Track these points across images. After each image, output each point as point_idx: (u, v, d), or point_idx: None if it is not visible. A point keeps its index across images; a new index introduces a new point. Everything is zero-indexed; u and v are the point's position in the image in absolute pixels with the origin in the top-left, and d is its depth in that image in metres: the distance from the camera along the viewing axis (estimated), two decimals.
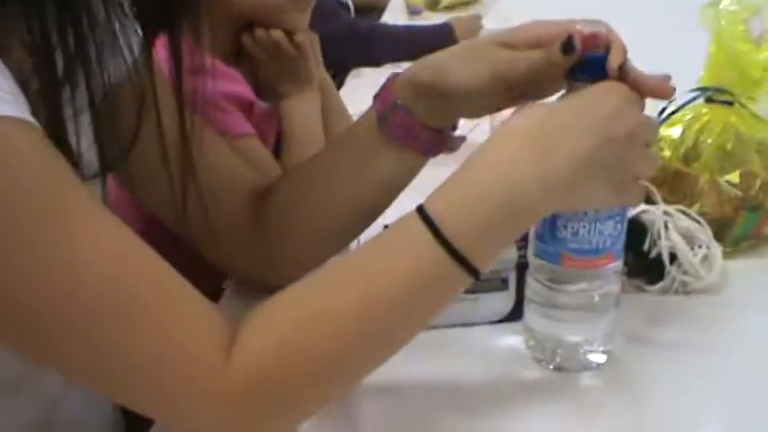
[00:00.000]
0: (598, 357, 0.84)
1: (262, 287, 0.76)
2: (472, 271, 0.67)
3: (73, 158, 0.67)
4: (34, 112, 0.61)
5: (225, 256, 0.95)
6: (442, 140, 0.85)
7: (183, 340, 0.64)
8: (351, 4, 3.44)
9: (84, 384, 0.69)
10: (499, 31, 0.81)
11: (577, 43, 0.74)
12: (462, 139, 0.87)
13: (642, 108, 0.73)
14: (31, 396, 0.80)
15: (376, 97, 0.85)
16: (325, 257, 0.88)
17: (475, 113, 0.85)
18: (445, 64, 0.81)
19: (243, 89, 1.25)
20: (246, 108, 1.24)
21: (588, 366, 0.83)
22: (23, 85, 0.62)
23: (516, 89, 0.79)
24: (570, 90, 0.76)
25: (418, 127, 0.83)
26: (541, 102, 0.79)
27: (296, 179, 0.95)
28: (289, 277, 0.69)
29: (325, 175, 0.91)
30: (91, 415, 0.91)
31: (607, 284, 0.81)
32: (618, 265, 0.81)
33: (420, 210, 0.67)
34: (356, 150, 0.87)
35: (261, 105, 1.28)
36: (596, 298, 0.81)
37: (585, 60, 0.75)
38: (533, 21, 0.80)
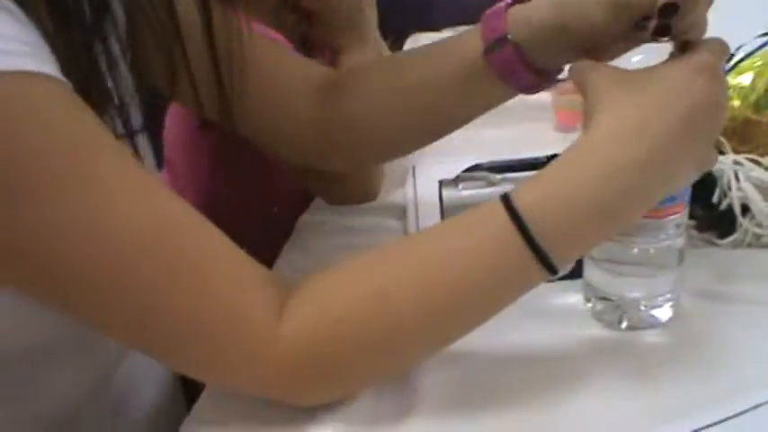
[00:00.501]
0: (663, 314, 0.79)
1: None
2: (551, 269, 0.64)
3: (119, 110, 0.67)
4: (67, 67, 0.60)
5: (289, 145, 0.97)
6: (543, 81, 0.82)
7: (233, 301, 0.62)
8: None
9: (131, 346, 0.68)
10: None
11: None
12: (560, 72, 0.84)
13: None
14: (89, 356, 0.80)
15: (485, 21, 0.82)
16: (386, 155, 0.97)
17: (596, 54, 0.78)
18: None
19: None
20: None
21: (653, 324, 0.79)
22: (54, 39, 0.61)
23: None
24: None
25: (524, 66, 0.80)
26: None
27: (379, 71, 0.95)
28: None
29: (410, 75, 0.90)
30: (148, 373, 0.91)
31: (670, 237, 0.76)
32: (682, 216, 0.76)
33: (506, 200, 0.64)
34: (450, 65, 0.86)
35: None
36: (659, 251, 0.76)
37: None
38: None
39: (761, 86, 1.00)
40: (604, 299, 0.80)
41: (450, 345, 0.68)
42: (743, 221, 0.88)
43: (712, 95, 0.67)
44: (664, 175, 0.66)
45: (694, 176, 0.71)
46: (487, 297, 0.66)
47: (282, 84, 0.94)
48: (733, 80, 1.03)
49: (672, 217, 0.75)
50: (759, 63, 1.03)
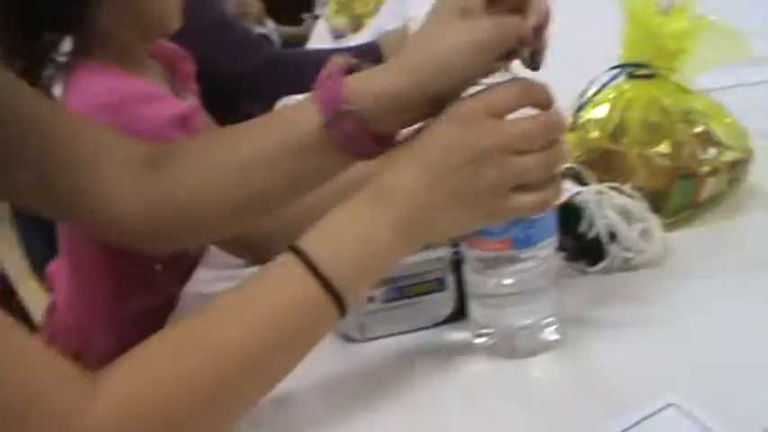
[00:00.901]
0: (549, 337, 0.83)
1: None
2: (345, 310, 0.71)
3: None
4: None
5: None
6: (388, 145, 0.81)
7: (44, 387, 0.63)
8: (275, 37, 3.46)
9: None
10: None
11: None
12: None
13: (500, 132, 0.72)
14: None
15: (320, 92, 0.80)
16: (218, 233, 0.97)
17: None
18: (422, 45, 0.77)
19: (173, 105, 1.25)
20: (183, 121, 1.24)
21: (541, 349, 0.83)
22: None
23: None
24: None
25: (367, 136, 0.78)
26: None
27: (207, 146, 0.94)
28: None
29: (243, 148, 0.87)
30: None
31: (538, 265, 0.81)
32: (506, 250, 0.80)
33: (293, 247, 0.71)
34: (284, 137, 0.83)
35: (185, 105, 1.28)
36: (531, 279, 0.81)
37: None
38: None
39: (616, 117, 1.06)
40: (491, 332, 0.83)
41: (261, 397, 0.72)
42: (611, 248, 0.93)
43: (467, 146, 0.70)
44: (425, 231, 0.73)
45: (485, 222, 0.76)
46: (288, 357, 0.72)
47: (101, 163, 0.91)
48: (589, 113, 1.09)
49: (498, 252, 0.80)
50: (613, 95, 1.09)
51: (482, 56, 0.74)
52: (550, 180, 0.74)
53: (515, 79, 0.75)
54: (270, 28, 3.54)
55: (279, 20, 3.62)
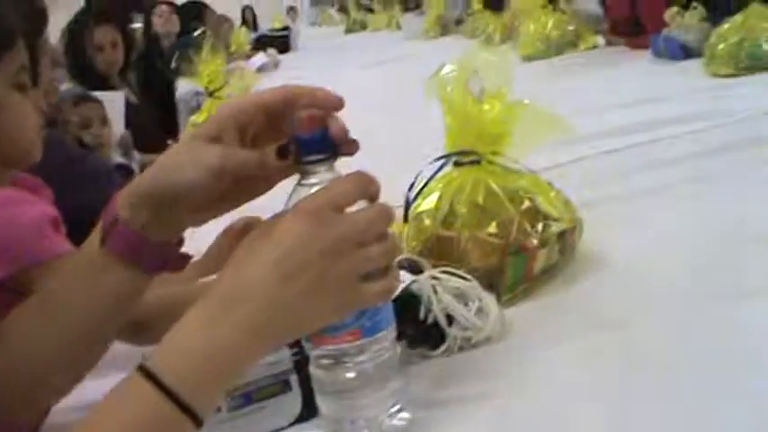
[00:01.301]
0: (398, 426, 0.84)
1: None
2: (194, 418, 0.70)
3: None
4: None
5: None
6: (165, 256, 0.85)
7: None
8: (136, 166, 3.46)
9: None
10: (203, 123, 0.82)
11: (292, 146, 0.77)
12: (188, 258, 0.88)
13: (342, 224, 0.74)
14: None
15: (105, 211, 0.84)
16: (68, 382, 0.92)
17: (200, 219, 0.85)
18: (165, 162, 0.81)
19: (43, 206, 1.23)
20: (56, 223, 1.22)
21: None
22: None
23: (246, 183, 0.81)
24: (302, 175, 0.79)
25: (139, 241, 0.82)
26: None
27: (29, 310, 0.93)
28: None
29: (56, 300, 0.90)
30: None
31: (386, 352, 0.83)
32: (357, 340, 0.81)
33: (140, 366, 0.70)
34: (83, 269, 0.87)
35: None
36: (380, 367, 0.82)
37: (305, 142, 0.77)
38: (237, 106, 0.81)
39: (445, 204, 1.11)
40: (343, 425, 0.84)
41: None
42: (450, 330, 0.96)
43: (316, 240, 0.72)
44: (280, 329, 0.74)
45: (338, 314, 0.77)
46: None
47: None
48: (421, 204, 1.14)
49: (349, 344, 0.81)
50: (442, 184, 1.14)
51: (216, 176, 0.78)
52: (390, 268, 0.77)
53: (355, 173, 0.78)
54: (135, 158, 3.55)
55: (145, 148, 3.63)
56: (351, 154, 0.78)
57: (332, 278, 0.73)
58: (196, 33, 3.69)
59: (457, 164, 1.15)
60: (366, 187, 0.76)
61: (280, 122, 0.79)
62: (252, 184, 0.82)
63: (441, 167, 1.16)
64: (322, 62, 5.56)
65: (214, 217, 0.85)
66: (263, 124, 0.80)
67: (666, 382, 0.85)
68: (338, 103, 0.77)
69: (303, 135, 0.76)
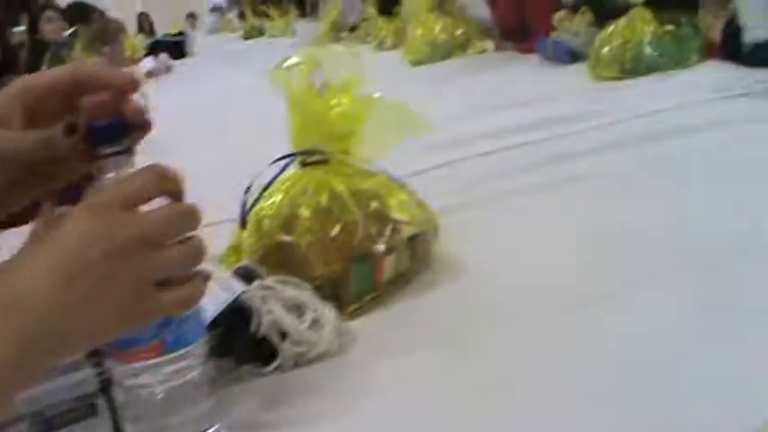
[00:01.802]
0: None
1: None
2: None
3: None
4: None
5: None
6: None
7: None
8: None
9: None
10: None
11: (84, 136, 0.68)
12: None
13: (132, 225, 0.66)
14: None
15: None
16: None
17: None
18: None
19: None
20: None
21: None
22: None
23: (41, 170, 0.72)
24: (99, 170, 0.70)
25: None
26: None
27: None
28: None
29: None
30: None
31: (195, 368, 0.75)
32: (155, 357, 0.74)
33: None
34: None
35: None
36: (189, 385, 0.74)
37: (96, 132, 0.68)
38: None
39: (286, 207, 1.03)
40: None
41: None
42: (282, 345, 0.88)
43: (102, 240, 0.64)
44: (62, 340, 0.64)
45: (131, 325, 0.67)
46: None
47: None
48: (263, 205, 1.06)
49: (150, 360, 0.73)
50: (286, 184, 1.06)
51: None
52: (194, 274, 0.69)
53: (149, 167, 0.69)
54: None
55: None
56: (143, 134, 0.70)
57: (120, 282, 0.64)
58: (67, 32, 3.56)
59: (303, 164, 1.07)
60: (163, 182, 0.68)
61: (75, 104, 0.71)
62: (48, 170, 0.73)
63: (285, 167, 1.08)
64: (216, 68, 5.48)
65: (9, 211, 0.75)
66: (58, 106, 0.71)
67: (516, 396, 0.79)
68: (132, 85, 0.69)
69: (94, 124, 0.68)
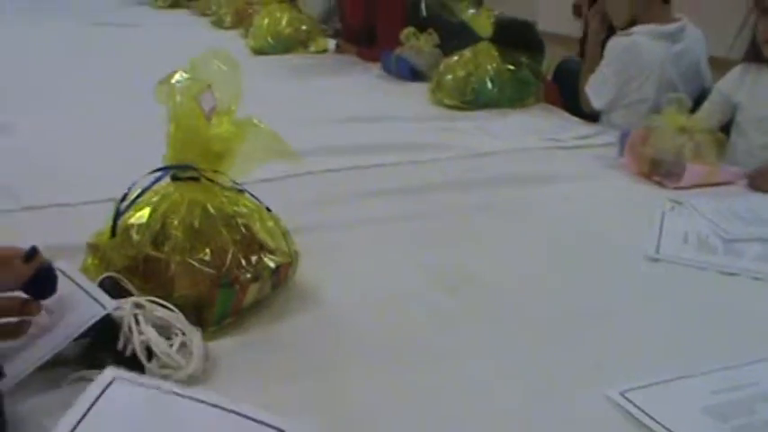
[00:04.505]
0: None
1: None
2: None
3: None
4: None
5: None
6: None
7: None
8: None
9: None
10: None
11: None
12: None
13: None
14: None
15: None
16: None
17: None
18: None
19: None
20: None
21: None
22: None
23: None
24: None
25: None
26: None
27: None
28: None
29: None
30: None
31: None
32: None
33: None
34: None
35: None
36: None
37: None
38: None
39: (157, 221, 1.05)
40: None
41: None
42: (149, 365, 0.91)
43: None
44: None
45: None
46: None
47: None
48: (133, 217, 1.07)
49: None
50: (156, 198, 1.08)
51: None
52: None
53: None
54: None
55: None
56: None
57: None
58: None
59: (175, 178, 1.10)
60: None
61: None
62: None
63: (157, 180, 1.10)
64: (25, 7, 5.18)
65: None
66: None
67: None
68: None
69: None
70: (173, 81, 1.08)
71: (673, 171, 1.71)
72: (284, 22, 3.30)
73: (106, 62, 3.16)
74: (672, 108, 1.78)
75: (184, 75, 1.08)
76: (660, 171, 1.73)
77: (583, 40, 2.67)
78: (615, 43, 2.23)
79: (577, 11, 5.20)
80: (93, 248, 1.10)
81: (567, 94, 2.44)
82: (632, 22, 2.24)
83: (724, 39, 2.06)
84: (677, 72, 2.21)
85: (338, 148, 1.90)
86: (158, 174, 1.10)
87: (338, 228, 1.44)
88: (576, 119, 2.27)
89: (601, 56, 2.27)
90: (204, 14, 4.56)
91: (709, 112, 2.00)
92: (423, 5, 2.91)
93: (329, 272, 1.24)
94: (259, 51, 3.29)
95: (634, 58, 2.20)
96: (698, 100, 2.10)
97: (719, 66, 2.19)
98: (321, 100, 2.55)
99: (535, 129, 2.15)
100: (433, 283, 1.23)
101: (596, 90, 2.24)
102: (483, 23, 2.42)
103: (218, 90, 1.10)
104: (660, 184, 1.71)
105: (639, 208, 1.57)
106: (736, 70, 2.00)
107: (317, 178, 1.70)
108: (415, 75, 2.71)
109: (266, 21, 3.30)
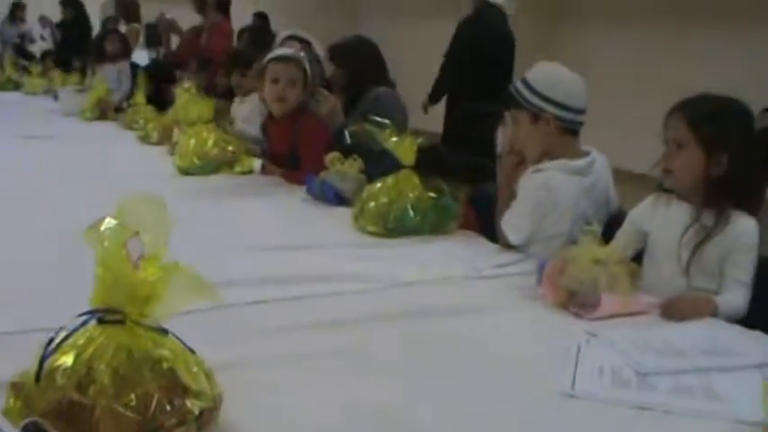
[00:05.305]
0: None
1: None
2: None
3: None
4: None
5: None
6: None
7: None
8: None
9: None
10: None
11: None
12: None
13: None
14: None
15: None
16: None
17: None
18: None
19: None
20: None
21: None
22: None
23: None
24: None
25: None
26: None
27: None
28: None
29: None
30: None
31: None
32: None
33: None
34: None
35: None
36: None
37: None
38: None
39: (82, 365, 1.07)
40: None
41: None
42: None
43: None
44: None
45: None
46: None
47: None
48: (58, 360, 1.08)
49: None
50: (82, 341, 1.10)
51: None
52: None
53: None
54: None
55: None
56: None
57: None
58: None
59: (101, 321, 1.12)
60: None
61: None
62: None
63: (84, 323, 1.12)
64: None
65: None
66: None
67: None
68: None
69: None
70: (101, 228, 1.11)
71: (588, 302, 1.77)
72: (211, 143, 3.33)
73: (35, 179, 3.17)
74: (586, 239, 1.85)
75: (113, 221, 1.11)
76: (576, 302, 1.79)
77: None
78: (529, 180, 2.30)
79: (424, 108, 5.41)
80: (17, 388, 1.11)
81: (486, 219, 2.50)
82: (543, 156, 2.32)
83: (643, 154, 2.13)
84: (589, 203, 2.29)
85: (264, 279, 1.93)
86: (84, 317, 1.11)
87: (264, 363, 1.46)
88: (495, 246, 2.33)
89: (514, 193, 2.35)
90: (131, 128, 4.59)
91: (623, 243, 2.07)
92: (346, 132, 2.97)
93: (255, 409, 1.26)
94: (185, 171, 3.31)
95: (549, 195, 2.26)
96: (608, 223, 2.20)
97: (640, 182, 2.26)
98: (246, 225, 2.58)
99: (456, 256, 2.21)
100: (359, 420, 1.25)
101: (512, 226, 2.30)
102: (406, 151, 2.47)
103: (146, 234, 1.14)
104: (577, 314, 1.77)
105: (556, 340, 1.62)
106: (648, 200, 2.09)
107: (242, 310, 1.72)
108: (340, 199, 2.75)
109: (192, 141, 3.34)
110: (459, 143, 3.73)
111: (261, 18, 7.50)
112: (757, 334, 1.68)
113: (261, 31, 5.77)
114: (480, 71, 5.03)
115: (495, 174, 2.48)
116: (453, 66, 5.34)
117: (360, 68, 3.68)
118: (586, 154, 2.32)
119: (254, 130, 3.67)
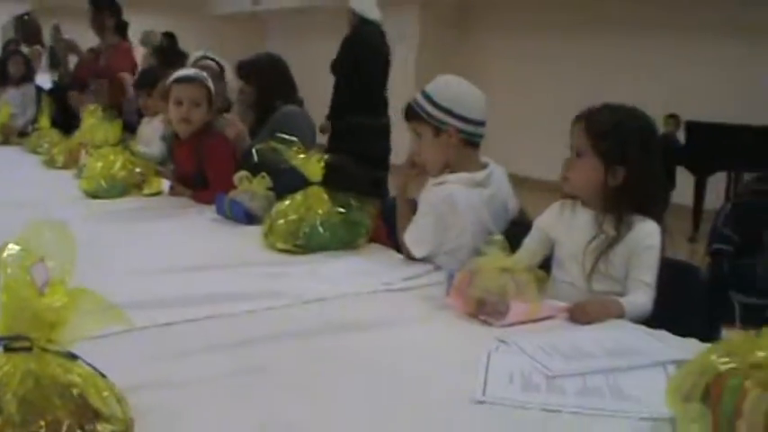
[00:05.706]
0: None
1: None
2: None
3: None
4: None
5: None
6: None
7: None
8: None
9: None
10: None
11: None
12: None
13: None
14: None
15: None
16: None
17: None
18: None
19: None
20: None
21: None
22: None
23: None
24: None
25: None
26: None
27: None
28: None
29: None
30: None
31: None
32: None
33: None
34: None
35: None
36: None
37: None
38: None
39: None
40: None
41: None
42: None
43: None
44: None
45: None
46: None
47: None
48: None
49: None
50: None
51: None
52: None
53: None
54: None
55: None
56: None
57: None
58: None
59: (7, 349, 1.10)
60: None
61: None
62: None
63: None
64: None
65: None
66: None
67: None
68: None
69: None
70: (5, 254, 1.10)
71: (497, 310, 1.81)
72: (118, 165, 3.30)
73: None
74: (492, 249, 1.89)
75: (16, 246, 1.10)
76: (485, 310, 1.82)
77: None
78: (431, 193, 2.33)
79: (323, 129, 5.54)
80: None
81: (396, 232, 2.52)
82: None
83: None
84: (490, 214, 2.33)
85: (175, 300, 1.92)
86: None
87: (176, 385, 1.45)
88: (405, 258, 2.35)
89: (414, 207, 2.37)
90: (35, 152, 4.51)
91: (530, 250, 2.12)
92: (254, 150, 2.97)
93: None
94: (93, 195, 3.26)
95: (451, 208, 2.29)
96: (508, 229, 2.26)
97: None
98: (156, 247, 2.56)
99: (366, 271, 2.23)
100: None
101: (415, 240, 2.33)
102: (313, 167, 2.49)
103: (51, 259, 1.13)
104: (486, 322, 1.80)
105: (467, 348, 1.65)
106: (555, 207, 2.14)
107: (153, 333, 1.70)
108: (250, 218, 2.75)
109: (99, 164, 3.29)
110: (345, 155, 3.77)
111: (169, 38, 7.44)
112: (662, 333, 1.74)
113: (169, 51, 5.73)
114: (358, 86, 5.36)
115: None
116: (337, 82, 5.56)
117: (268, 86, 3.68)
118: (485, 166, 2.37)
119: (156, 150, 3.64)
